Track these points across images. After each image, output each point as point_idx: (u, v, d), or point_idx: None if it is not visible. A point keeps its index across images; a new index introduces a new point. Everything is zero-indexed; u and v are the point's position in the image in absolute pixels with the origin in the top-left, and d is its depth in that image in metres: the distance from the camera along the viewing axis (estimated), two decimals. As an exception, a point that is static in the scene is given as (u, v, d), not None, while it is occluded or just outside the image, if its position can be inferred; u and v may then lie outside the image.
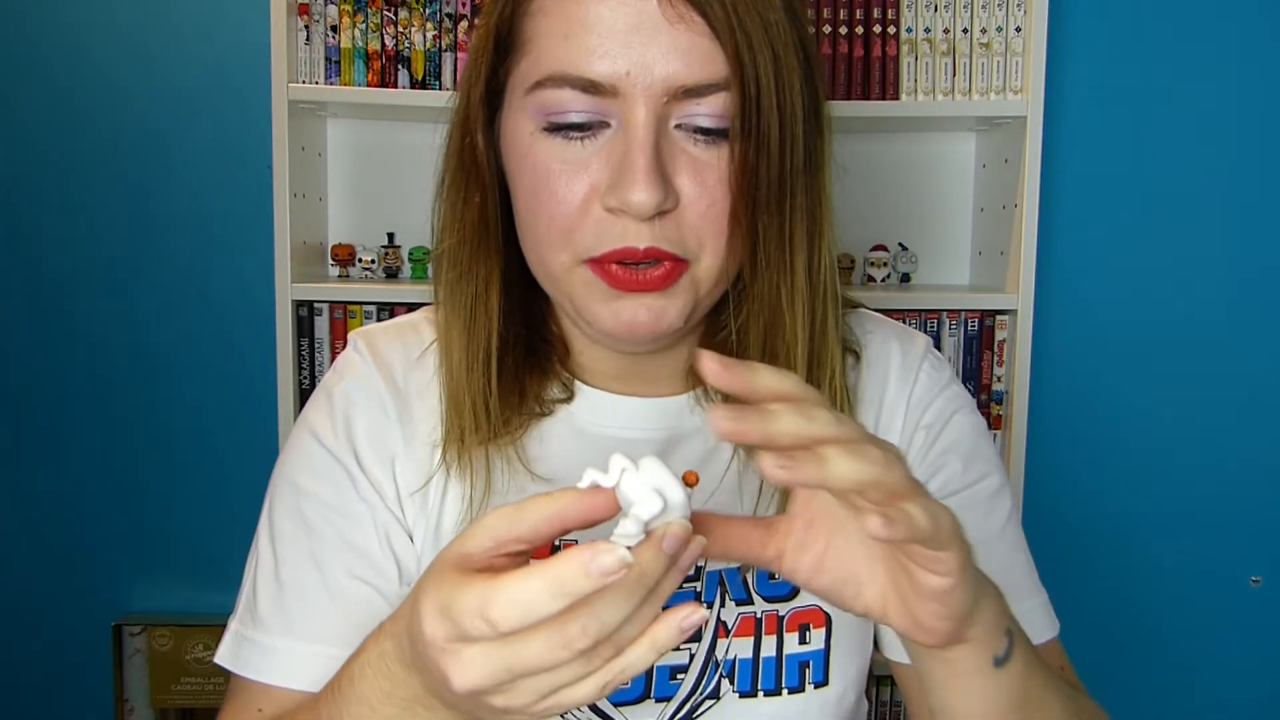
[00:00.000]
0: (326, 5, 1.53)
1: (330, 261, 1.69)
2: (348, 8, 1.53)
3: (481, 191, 0.63)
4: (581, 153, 0.57)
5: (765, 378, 0.40)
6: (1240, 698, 1.80)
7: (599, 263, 0.58)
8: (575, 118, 0.56)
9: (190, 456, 1.71)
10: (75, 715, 1.72)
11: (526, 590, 0.37)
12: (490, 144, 0.63)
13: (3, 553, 1.72)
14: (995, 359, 1.63)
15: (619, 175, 0.56)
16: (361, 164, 1.69)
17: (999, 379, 1.63)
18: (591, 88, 0.55)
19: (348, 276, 1.68)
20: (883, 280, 1.70)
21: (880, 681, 1.65)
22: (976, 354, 1.63)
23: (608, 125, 0.57)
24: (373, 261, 1.66)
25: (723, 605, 0.66)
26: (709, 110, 0.56)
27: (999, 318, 1.62)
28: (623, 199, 0.55)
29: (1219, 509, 1.76)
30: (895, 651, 0.70)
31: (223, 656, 0.65)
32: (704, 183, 0.57)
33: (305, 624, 0.63)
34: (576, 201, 0.57)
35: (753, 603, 0.66)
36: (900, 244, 1.72)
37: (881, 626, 0.70)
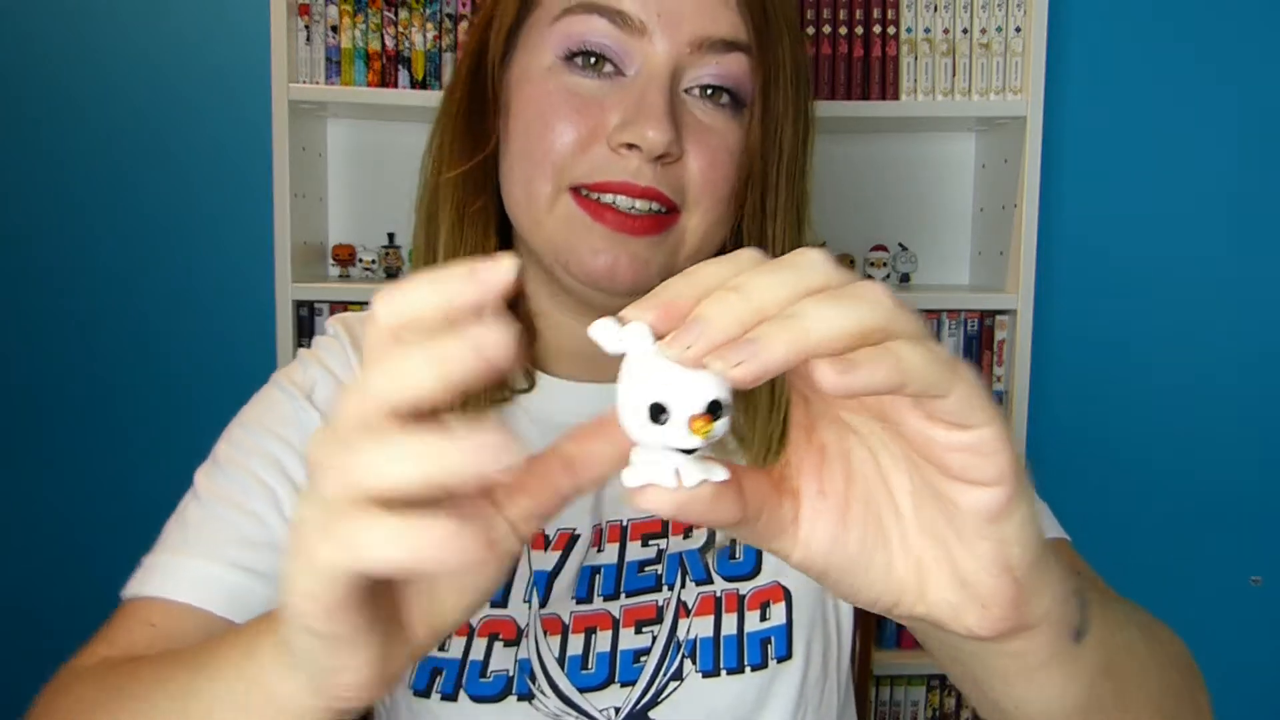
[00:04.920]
0: (326, 5, 1.53)
1: (331, 261, 1.69)
2: (348, 8, 1.53)
3: (485, 134, 0.64)
4: (595, 91, 0.58)
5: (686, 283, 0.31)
6: (1240, 697, 1.80)
7: (585, 195, 0.59)
8: (598, 48, 0.58)
9: (190, 456, 1.71)
10: (75, 715, 1.72)
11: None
12: (501, 85, 0.64)
13: (3, 553, 1.72)
14: (995, 359, 1.63)
15: (635, 112, 0.57)
16: (361, 164, 1.69)
17: (999, 379, 1.63)
18: (620, 19, 0.57)
19: (348, 276, 1.68)
20: (882, 280, 1.70)
21: (880, 681, 1.65)
22: (976, 354, 1.63)
23: (624, 74, 0.58)
24: (373, 262, 1.66)
25: (683, 586, 0.66)
26: (723, 70, 0.58)
27: (999, 318, 1.62)
28: (638, 133, 0.56)
29: (1219, 509, 1.76)
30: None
31: (125, 591, 0.62)
32: (707, 144, 0.59)
33: (214, 546, 0.60)
34: (579, 135, 0.58)
35: (712, 583, 0.66)
36: (900, 244, 1.72)
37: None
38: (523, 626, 0.64)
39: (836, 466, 0.35)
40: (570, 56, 0.58)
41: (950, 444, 0.30)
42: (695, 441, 0.29)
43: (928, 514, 0.34)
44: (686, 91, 0.59)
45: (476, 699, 0.63)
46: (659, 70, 0.57)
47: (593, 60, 0.58)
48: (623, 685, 0.64)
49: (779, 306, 0.29)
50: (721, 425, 0.29)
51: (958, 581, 0.33)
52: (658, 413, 0.29)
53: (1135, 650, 0.44)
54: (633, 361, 0.30)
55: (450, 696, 0.63)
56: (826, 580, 0.36)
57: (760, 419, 0.65)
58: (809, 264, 0.30)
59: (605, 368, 0.69)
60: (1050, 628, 0.36)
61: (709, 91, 0.59)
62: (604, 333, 0.30)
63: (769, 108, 0.59)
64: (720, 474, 0.31)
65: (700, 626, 0.65)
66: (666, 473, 0.31)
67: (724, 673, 0.65)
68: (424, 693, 0.63)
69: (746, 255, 0.31)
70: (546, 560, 0.66)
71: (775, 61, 0.59)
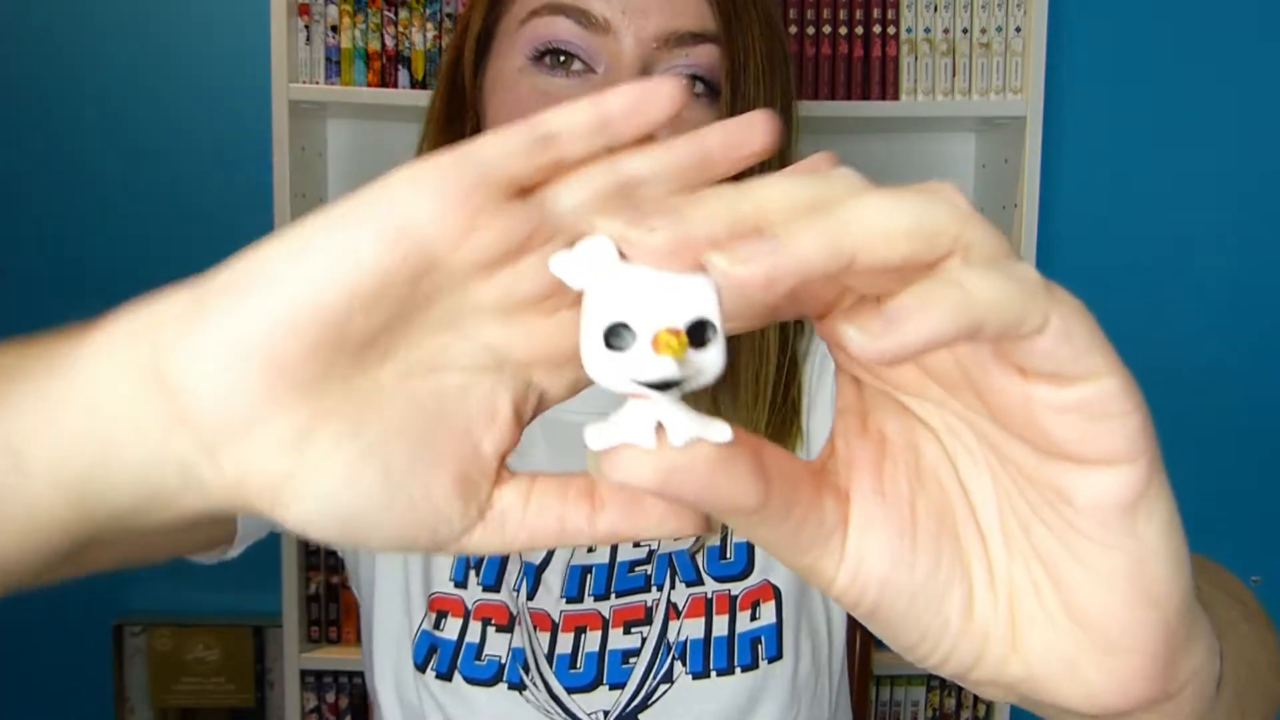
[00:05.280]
0: (326, 5, 1.53)
1: (330, 261, 1.69)
2: (348, 8, 1.53)
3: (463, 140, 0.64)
4: (566, 90, 0.59)
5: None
6: (1240, 697, 1.80)
7: None
8: (564, 46, 0.58)
9: (190, 456, 1.71)
10: (75, 715, 1.72)
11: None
12: (476, 92, 0.64)
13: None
14: (995, 359, 1.63)
15: None
16: (361, 164, 1.69)
17: (999, 379, 1.63)
18: (585, 19, 0.57)
19: (348, 276, 1.68)
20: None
21: (880, 681, 1.65)
22: (976, 354, 1.63)
23: (594, 71, 0.59)
24: (373, 261, 1.67)
25: (673, 587, 0.66)
26: (693, 61, 0.58)
27: (999, 318, 1.62)
28: None
29: (1219, 509, 1.76)
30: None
31: None
32: (681, 134, 0.59)
33: None
34: None
35: (703, 583, 0.66)
36: (900, 244, 1.72)
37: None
38: (514, 614, 0.65)
39: (900, 463, 0.26)
40: (539, 57, 0.59)
41: (1055, 403, 0.21)
42: (664, 368, 0.20)
43: (1024, 527, 0.24)
44: None
45: (470, 681, 0.64)
46: (627, 67, 0.57)
47: (561, 59, 0.59)
48: (611, 688, 0.64)
49: (792, 209, 0.21)
50: (711, 357, 0.21)
51: (1073, 622, 0.23)
52: (616, 334, 0.21)
53: (1254, 657, 0.36)
54: (595, 283, 0.22)
55: (445, 676, 0.64)
56: (876, 620, 0.25)
57: (742, 398, 0.64)
58: (839, 174, 0.22)
59: None
60: (1198, 688, 0.25)
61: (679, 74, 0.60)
62: (563, 265, 0.22)
63: (737, 94, 0.59)
64: (722, 431, 0.22)
65: (691, 628, 0.65)
66: (642, 427, 0.21)
67: (714, 674, 0.65)
68: (421, 668, 0.64)
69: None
70: (535, 553, 0.66)
71: (744, 48, 0.59)
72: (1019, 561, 0.25)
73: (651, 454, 0.21)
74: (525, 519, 0.27)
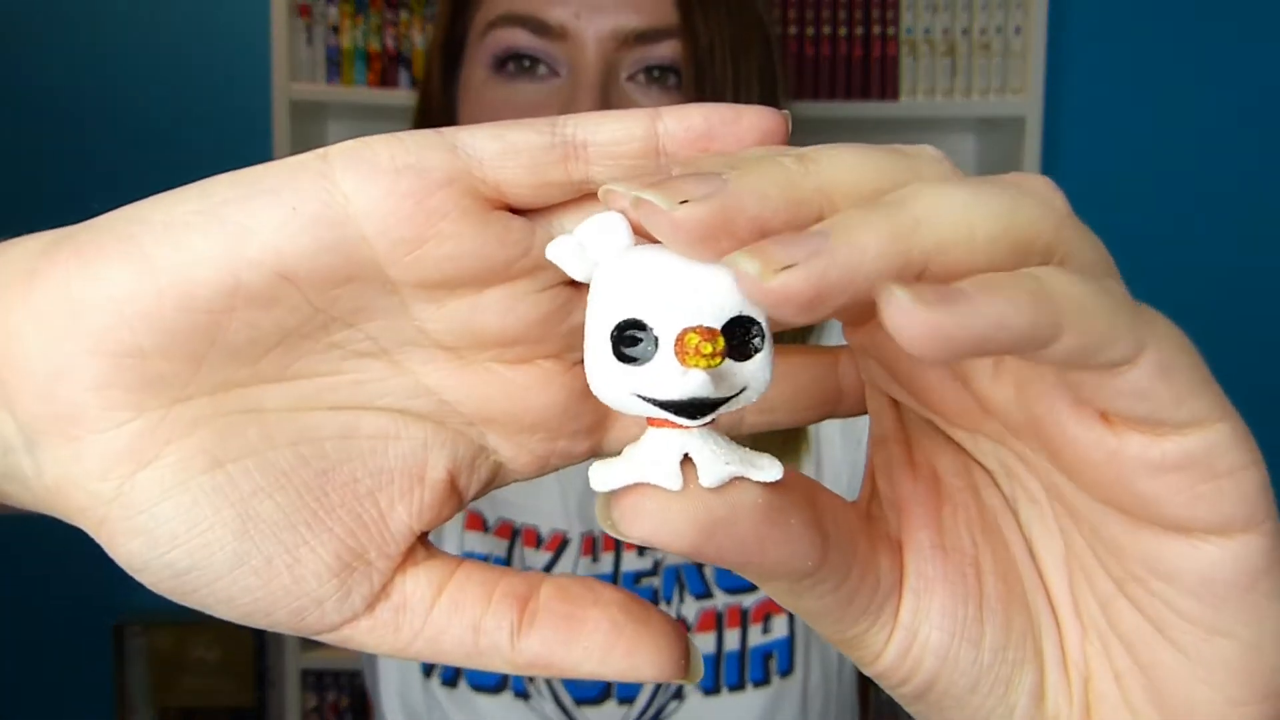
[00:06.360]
0: (327, 5, 1.53)
1: (330, 261, 1.69)
2: (348, 8, 1.54)
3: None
4: (531, 97, 0.59)
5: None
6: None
7: None
8: (525, 52, 0.58)
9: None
10: (75, 715, 1.72)
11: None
12: (449, 101, 0.65)
13: (3, 552, 1.72)
14: (995, 359, 1.63)
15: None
16: (362, 164, 1.69)
17: (999, 379, 1.63)
18: (542, 29, 0.57)
19: (348, 276, 1.68)
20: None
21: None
22: (976, 354, 1.63)
23: (557, 75, 0.59)
24: (373, 261, 1.67)
25: (681, 602, 0.65)
26: (659, 55, 0.58)
27: (999, 318, 1.62)
28: None
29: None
30: None
31: None
32: None
33: None
34: None
35: (713, 596, 0.65)
36: (900, 244, 1.72)
37: None
38: None
39: (960, 510, 0.21)
40: (500, 65, 0.59)
41: (1152, 459, 0.17)
42: (692, 384, 0.15)
43: (1103, 603, 0.19)
44: (631, 78, 0.59)
45: (476, 688, 0.63)
46: (587, 71, 0.57)
47: (526, 64, 0.59)
48: (621, 702, 0.64)
49: (862, 195, 0.16)
50: (756, 368, 0.16)
51: (1164, 718, 0.19)
52: (628, 339, 0.16)
53: None
54: (603, 272, 0.17)
55: (450, 682, 0.64)
56: (927, 702, 0.21)
57: None
58: (922, 155, 0.18)
59: None
60: None
61: (655, 74, 0.59)
62: (563, 249, 0.17)
63: (703, 85, 0.58)
64: (770, 469, 0.17)
65: (701, 643, 0.65)
66: (665, 462, 0.16)
67: (725, 690, 0.64)
68: (426, 673, 0.64)
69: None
70: (538, 559, 0.65)
71: (708, 37, 0.58)
72: (1094, 641, 0.20)
73: (678, 499, 0.16)
74: (430, 619, 0.21)
